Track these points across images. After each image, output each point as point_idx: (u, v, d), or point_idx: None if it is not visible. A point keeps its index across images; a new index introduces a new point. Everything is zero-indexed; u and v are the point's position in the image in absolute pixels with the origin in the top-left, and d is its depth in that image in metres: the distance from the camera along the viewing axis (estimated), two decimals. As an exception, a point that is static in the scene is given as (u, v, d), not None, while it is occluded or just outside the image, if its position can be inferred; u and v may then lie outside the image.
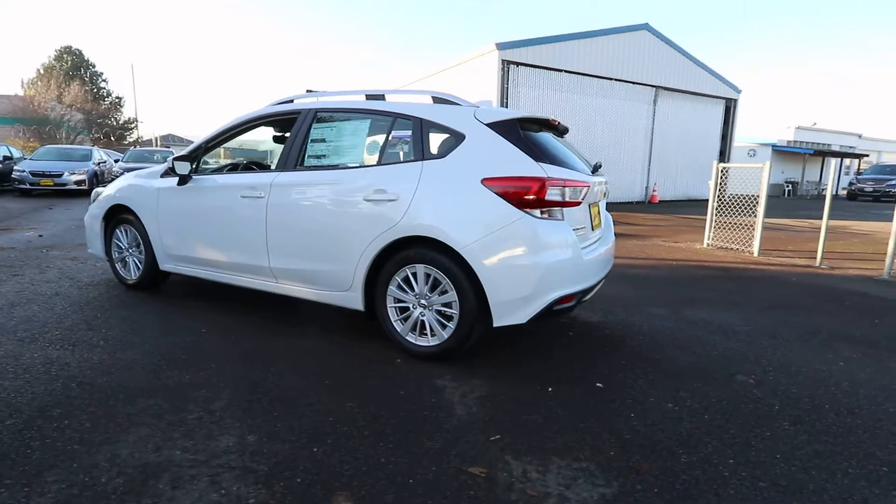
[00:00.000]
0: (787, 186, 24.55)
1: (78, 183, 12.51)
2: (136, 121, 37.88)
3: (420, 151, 2.80)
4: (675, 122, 17.01)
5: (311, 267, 3.06)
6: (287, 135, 3.95)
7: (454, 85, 14.77)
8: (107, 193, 4.15)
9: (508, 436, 2.07)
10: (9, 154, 14.00)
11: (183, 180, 3.58)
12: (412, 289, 2.78)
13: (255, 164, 4.29)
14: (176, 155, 3.65)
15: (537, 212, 2.57)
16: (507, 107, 13.03)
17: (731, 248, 7.12)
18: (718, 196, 7.43)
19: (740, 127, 19.30)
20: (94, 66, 41.16)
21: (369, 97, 3.25)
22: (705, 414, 2.31)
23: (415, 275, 2.75)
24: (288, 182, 3.13)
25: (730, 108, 18.38)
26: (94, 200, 4.31)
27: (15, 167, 12.58)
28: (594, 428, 2.15)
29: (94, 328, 3.14)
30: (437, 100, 3.09)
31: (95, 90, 39.58)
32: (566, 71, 14.25)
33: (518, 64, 13.41)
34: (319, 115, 3.22)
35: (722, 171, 7.54)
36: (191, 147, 3.72)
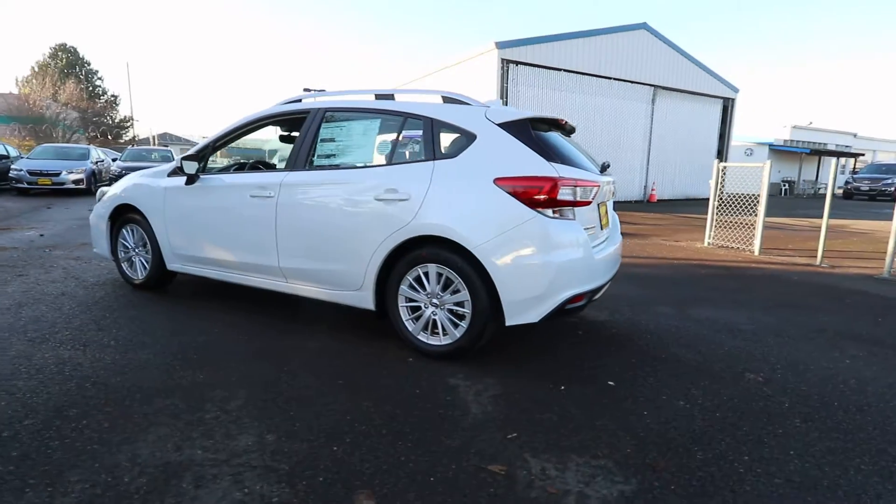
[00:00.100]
0: (784, 185, 24.70)
1: (76, 182, 12.43)
2: (132, 119, 37.70)
3: (431, 151, 2.81)
4: (673, 122, 17.07)
5: (322, 267, 3.06)
6: (294, 134, 3.97)
7: (454, 84, 14.75)
8: (112, 193, 4.14)
9: (525, 434, 2.09)
10: (5, 153, 13.88)
11: (191, 180, 3.58)
12: (424, 288, 2.79)
13: (262, 163, 4.29)
14: (184, 154, 3.65)
15: (549, 211, 2.58)
16: (506, 105, 13.03)
17: (732, 247, 7.17)
18: (718, 195, 7.47)
19: (737, 126, 19.40)
20: (89, 64, 41.00)
21: (379, 97, 3.25)
22: (717, 412, 2.34)
23: (426, 274, 2.76)
24: (298, 181, 3.13)
25: (727, 107, 18.45)
26: (99, 200, 4.30)
27: (12, 166, 12.48)
28: (609, 426, 2.17)
29: (104, 328, 3.13)
30: (448, 99, 3.10)
31: (91, 88, 39.34)
32: (565, 70, 14.27)
33: (517, 63, 13.43)
34: (329, 115, 3.22)
35: (721, 171, 7.59)
36: (198, 146, 3.71)
